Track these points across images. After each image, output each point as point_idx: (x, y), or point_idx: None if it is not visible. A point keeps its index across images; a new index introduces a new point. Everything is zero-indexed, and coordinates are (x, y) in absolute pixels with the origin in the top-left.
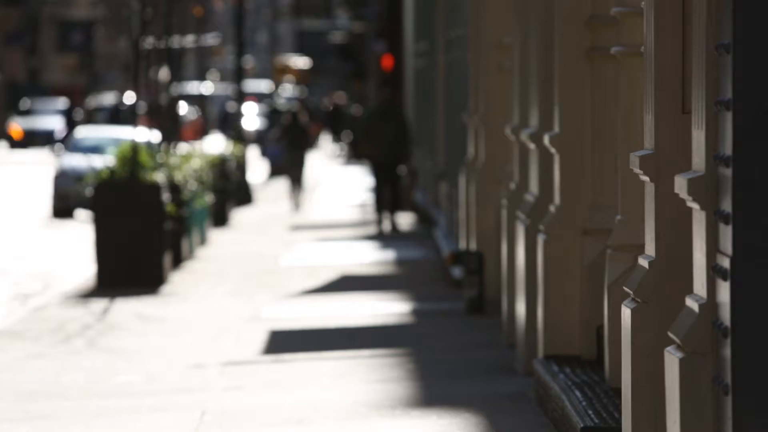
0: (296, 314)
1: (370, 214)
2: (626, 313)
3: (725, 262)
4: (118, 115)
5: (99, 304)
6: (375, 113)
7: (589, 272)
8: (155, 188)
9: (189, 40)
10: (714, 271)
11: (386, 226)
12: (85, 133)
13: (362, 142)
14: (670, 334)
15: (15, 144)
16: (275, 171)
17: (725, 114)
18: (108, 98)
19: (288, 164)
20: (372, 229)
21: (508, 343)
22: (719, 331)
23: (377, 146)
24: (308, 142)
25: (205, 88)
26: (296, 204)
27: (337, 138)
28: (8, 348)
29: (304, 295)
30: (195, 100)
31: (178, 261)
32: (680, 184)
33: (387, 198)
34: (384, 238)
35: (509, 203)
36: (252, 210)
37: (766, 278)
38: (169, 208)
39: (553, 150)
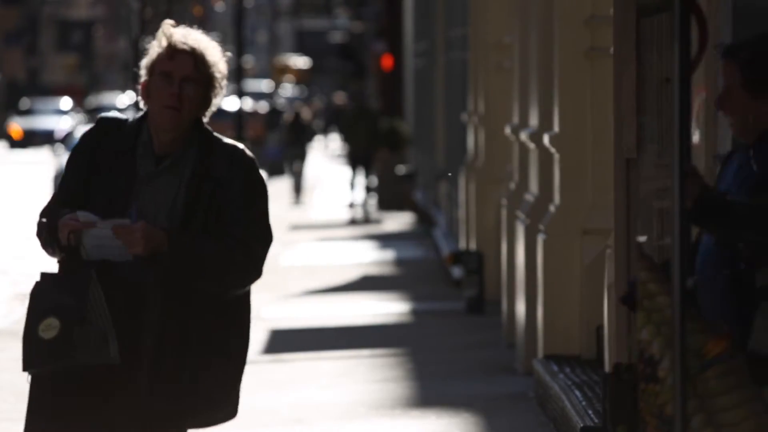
0: (296, 314)
1: (372, 213)
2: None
3: None
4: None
5: None
6: (351, 115)
7: (589, 272)
8: None
9: None
10: None
11: (357, 212)
12: None
13: (343, 138)
14: None
15: (15, 144)
16: (274, 170)
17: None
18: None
19: (290, 159)
20: (372, 229)
21: (508, 343)
22: None
23: (353, 142)
24: (309, 138)
25: None
26: (297, 197)
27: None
28: (8, 348)
29: (304, 295)
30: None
31: None
32: None
33: (360, 187)
34: (384, 238)
35: (509, 203)
36: None
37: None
38: None
39: (552, 150)
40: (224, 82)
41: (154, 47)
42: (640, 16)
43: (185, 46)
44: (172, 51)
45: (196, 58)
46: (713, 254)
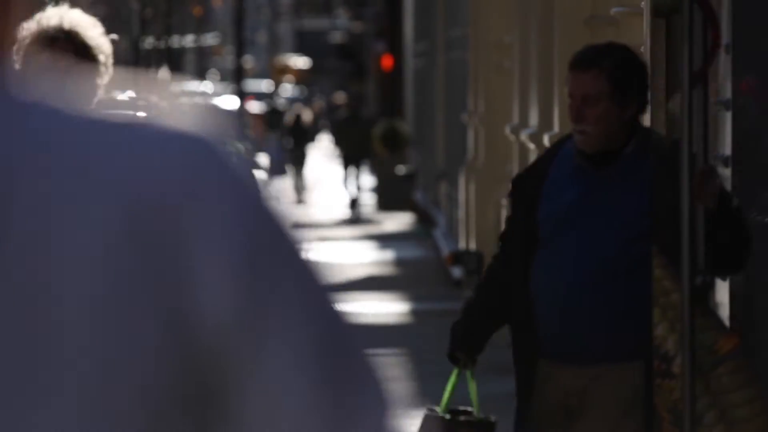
0: None
1: (371, 214)
2: None
3: None
4: None
5: None
6: (344, 118)
7: None
8: None
9: (189, 40)
10: None
11: (354, 212)
12: None
13: (336, 140)
14: None
15: None
16: (275, 170)
17: (725, 114)
18: None
19: (291, 160)
20: (372, 229)
21: (508, 343)
22: None
23: (346, 144)
24: (310, 139)
25: (205, 87)
26: (299, 196)
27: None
28: None
29: None
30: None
31: None
32: None
33: (353, 186)
34: (384, 238)
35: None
36: None
37: (764, 278)
38: None
39: None
40: (110, 62)
41: (23, 33)
42: (655, 16)
43: (60, 33)
44: (47, 37)
45: (75, 42)
46: (606, 262)
